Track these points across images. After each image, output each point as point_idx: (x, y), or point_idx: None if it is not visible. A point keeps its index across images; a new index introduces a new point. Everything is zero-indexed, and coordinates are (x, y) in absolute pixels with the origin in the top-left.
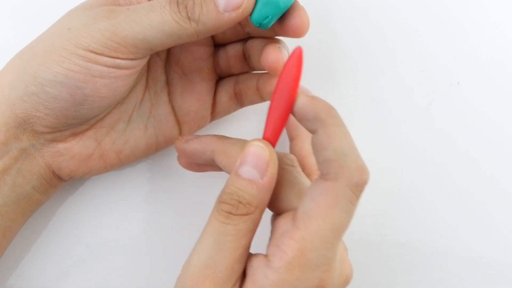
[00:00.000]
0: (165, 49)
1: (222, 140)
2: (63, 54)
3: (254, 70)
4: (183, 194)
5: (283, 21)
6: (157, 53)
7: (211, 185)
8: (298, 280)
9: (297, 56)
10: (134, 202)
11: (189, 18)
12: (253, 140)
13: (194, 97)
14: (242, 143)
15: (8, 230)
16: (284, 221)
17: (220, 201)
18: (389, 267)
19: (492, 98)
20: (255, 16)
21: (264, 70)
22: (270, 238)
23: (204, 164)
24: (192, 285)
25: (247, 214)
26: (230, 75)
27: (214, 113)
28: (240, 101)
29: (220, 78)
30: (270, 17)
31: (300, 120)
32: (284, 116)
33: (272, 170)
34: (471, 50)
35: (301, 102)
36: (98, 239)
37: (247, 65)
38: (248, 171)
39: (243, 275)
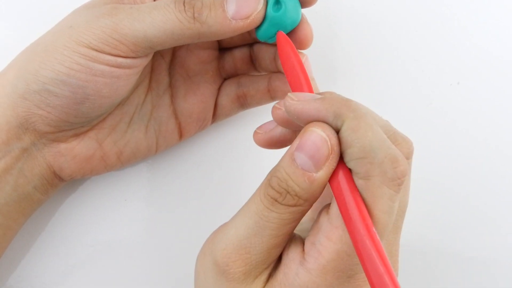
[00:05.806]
0: (170, 52)
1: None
2: (65, 53)
3: (262, 72)
4: (183, 194)
5: (288, 34)
6: (162, 55)
7: (211, 185)
8: (330, 287)
9: (283, 38)
10: (134, 202)
11: (194, 18)
12: (315, 124)
13: (197, 99)
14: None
15: (9, 229)
16: (322, 214)
17: (269, 183)
18: None
19: (492, 98)
20: (261, 33)
21: (274, 70)
22: (312, 227)
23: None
24: (223, 260)
25: (294, 206)
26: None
27: (216, 116)
28: (243, 103)
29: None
30: (275, 36)
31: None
32: (308, 85)
33: (331, 166)
34: (471, 50)
35: (314, 108)
36: (98, 239)
37: (254, 68)
38: (303, 159)
39: (279, 257)
